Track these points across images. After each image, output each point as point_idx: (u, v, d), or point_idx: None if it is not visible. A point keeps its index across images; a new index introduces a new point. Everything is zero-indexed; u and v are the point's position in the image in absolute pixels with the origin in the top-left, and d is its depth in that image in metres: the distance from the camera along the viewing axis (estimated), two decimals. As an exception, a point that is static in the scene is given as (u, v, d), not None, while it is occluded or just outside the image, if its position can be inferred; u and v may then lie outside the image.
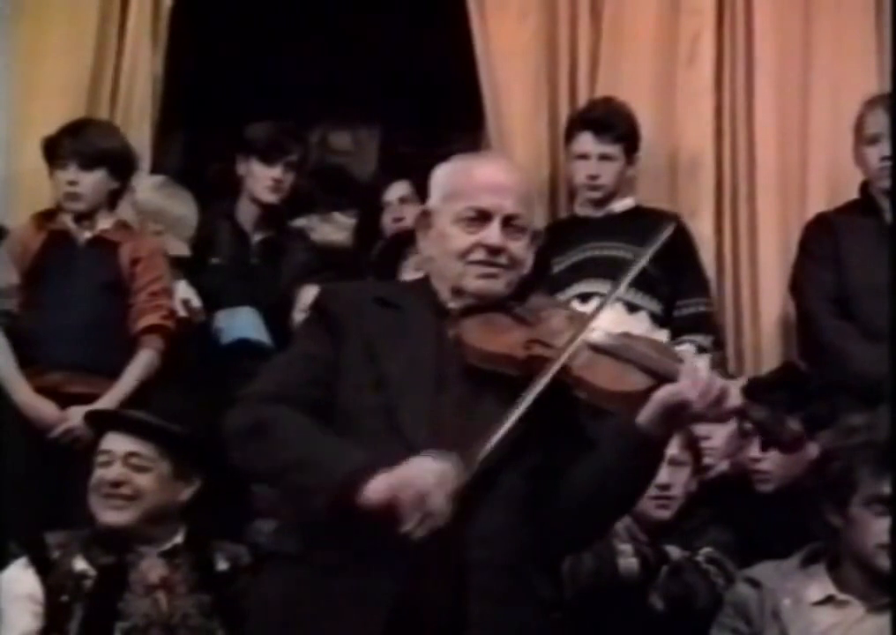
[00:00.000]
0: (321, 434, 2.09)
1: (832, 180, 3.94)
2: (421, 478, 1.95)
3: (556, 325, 2.20)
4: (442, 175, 2.30)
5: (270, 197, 3.97)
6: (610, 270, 3.37)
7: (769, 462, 3.08)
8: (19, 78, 4.02)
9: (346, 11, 4.95)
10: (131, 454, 2.78)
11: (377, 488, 1.96)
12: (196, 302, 3.75)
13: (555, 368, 2.08)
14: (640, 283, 3.54)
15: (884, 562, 2.46)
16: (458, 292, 2.23)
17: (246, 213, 4.03)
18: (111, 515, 2.74)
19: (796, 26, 4.07)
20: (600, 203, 3.81)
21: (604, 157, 3.77)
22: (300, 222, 4.35)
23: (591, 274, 3.63)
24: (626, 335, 2.20)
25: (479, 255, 2.20)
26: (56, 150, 3.55)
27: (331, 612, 2.04)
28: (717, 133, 4.05)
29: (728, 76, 4.08)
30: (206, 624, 2.68)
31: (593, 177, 3.77)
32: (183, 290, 3.72)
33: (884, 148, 3.49)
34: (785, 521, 2.90)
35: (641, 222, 3.53)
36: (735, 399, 2.03)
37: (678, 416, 2.03)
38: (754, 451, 3.08)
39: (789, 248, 3.77)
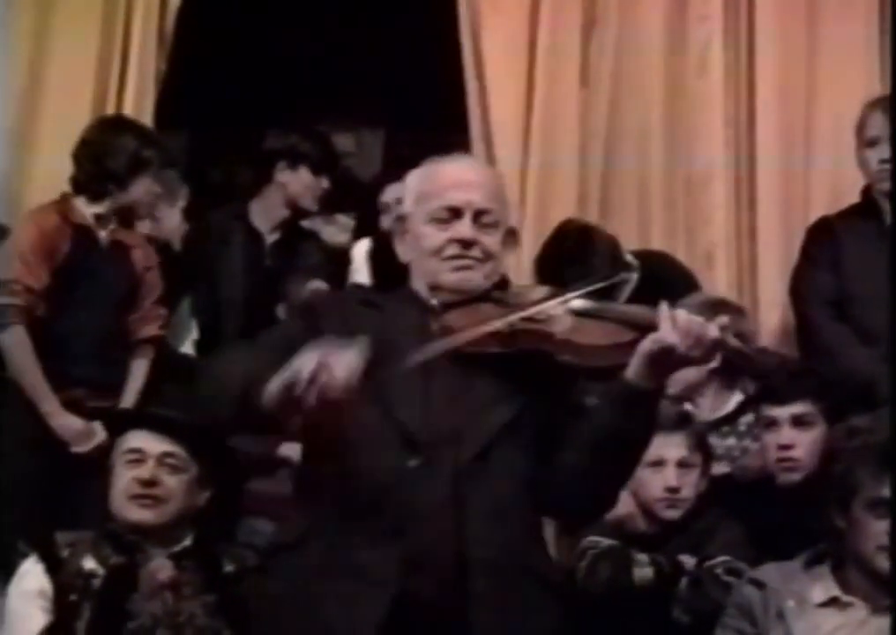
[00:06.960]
0: (248, 352, 2.16)
1: (835, 185, 3.95)
2: (311, 358, 1.94)
3: (537, 298, 2.23)
4: (413, 179, 2.35)
5: (314, 206, 4.05)
6: None
7: (801, 449, 3.04)
8: (26, 76, 4.01)
9: (350, 12, 4.97)
10: (167, 454, 2.76)
11: (274, 384, 1.96)
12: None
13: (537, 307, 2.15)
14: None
15: (883, 563, 2.47)
16: (436, 288, 2.27)
17: (264, 216, 4.06)
18: (140, 513, 2.73)
19: (800, 31, 4.08)
20: None
21: None
22: (304, 224, 4.36)
23: None
24: (604, 301, 2.24)
25: (453, 250, 2.24)
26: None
27: (335, 597, 2.06)
28: (726, 140, 4.06)
29: (733, 83, 4.09)
30: (212, 624, 2.67)
31: None
32: None
33: (884, 150, 3.50)
34: (795, 520, 2.88)
35: None
36: (713, 331, 2.05)
37: (665, 363, 2.06)
38: (784, 438, 3.06)
39: (792, 254, 3.76)
